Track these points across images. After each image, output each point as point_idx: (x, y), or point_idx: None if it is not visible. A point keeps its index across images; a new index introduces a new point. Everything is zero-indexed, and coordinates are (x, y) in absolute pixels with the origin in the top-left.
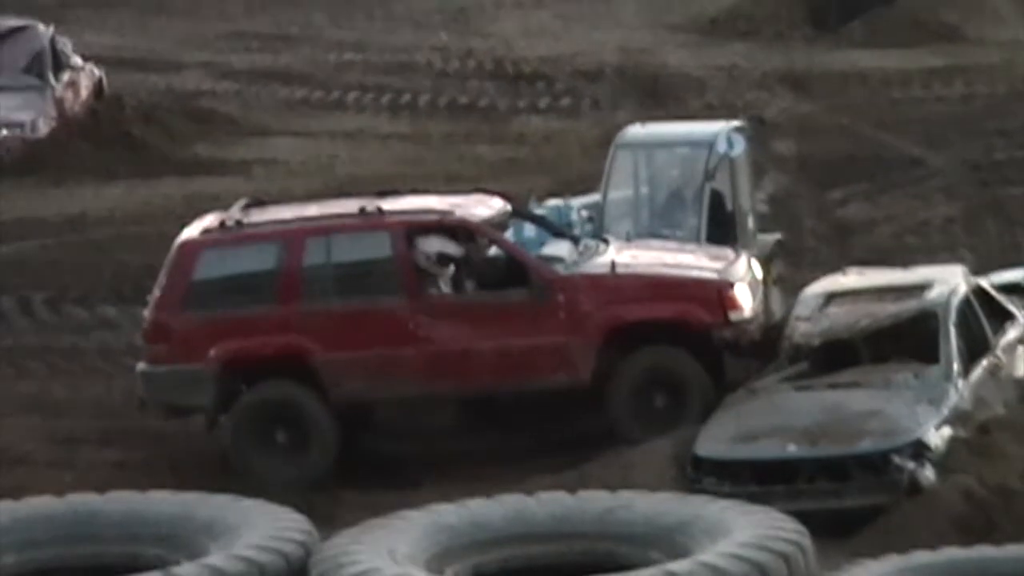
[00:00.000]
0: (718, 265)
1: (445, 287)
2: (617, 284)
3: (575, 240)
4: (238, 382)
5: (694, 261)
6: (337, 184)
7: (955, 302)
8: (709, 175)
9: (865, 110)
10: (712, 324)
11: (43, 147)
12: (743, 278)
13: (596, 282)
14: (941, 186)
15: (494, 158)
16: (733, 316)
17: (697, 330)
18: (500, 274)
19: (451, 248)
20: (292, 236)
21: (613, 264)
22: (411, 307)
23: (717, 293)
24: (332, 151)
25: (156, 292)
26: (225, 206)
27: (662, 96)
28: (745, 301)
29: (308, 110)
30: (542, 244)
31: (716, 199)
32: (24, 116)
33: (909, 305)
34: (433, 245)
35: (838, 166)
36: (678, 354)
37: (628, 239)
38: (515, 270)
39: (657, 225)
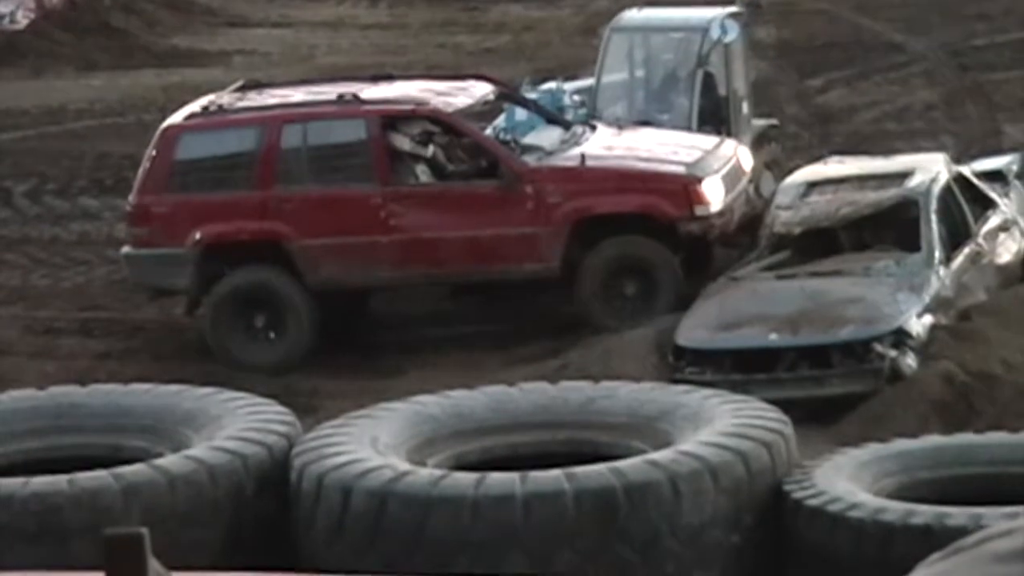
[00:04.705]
0: (691, 158)
1: (421, 176)
2: (584, 176)
3: (566, 126)
4: (219, 265)
5: (669, 153)
6: (317, 74)
7: (936, 190)
8: (702, 60)
9: None
10: (677, 218)
11: (22, 38)
12: (716, 171)
13: (564, 174)
14: (921, 71)
15: (474, 47)
16: (699, 210)
17: (663, 223)
18: (477, 163)
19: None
20: (270, 122)
21: (582, 156)
22: (384, 195)
23: (683, 187)
24: (312, 41)
25: (140, 176)
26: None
27: None
28: (714, 195)
29: (287, 0)
30: (532, 128)
31: (710, 84)
32: (2, 8)
33: (890, 193)
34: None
35: (818, 52)
36: (646, 242)
37: (619, 125)
38: (487, 160)
39: (651, 109)
